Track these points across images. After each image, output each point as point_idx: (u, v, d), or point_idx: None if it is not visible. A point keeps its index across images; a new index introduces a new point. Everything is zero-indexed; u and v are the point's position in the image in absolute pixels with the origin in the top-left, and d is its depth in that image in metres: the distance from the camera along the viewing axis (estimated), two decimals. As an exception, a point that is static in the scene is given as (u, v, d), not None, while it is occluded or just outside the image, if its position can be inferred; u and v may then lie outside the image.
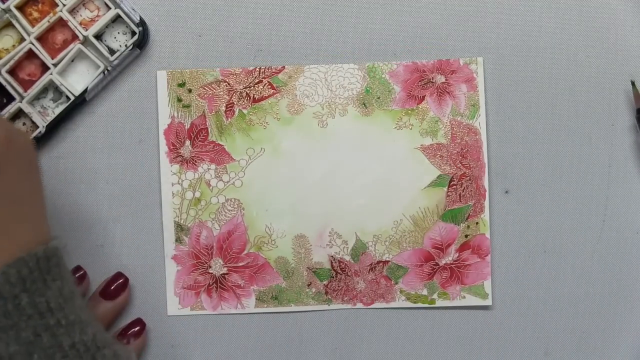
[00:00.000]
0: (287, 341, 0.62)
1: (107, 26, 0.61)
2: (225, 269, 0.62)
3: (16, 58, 0.60)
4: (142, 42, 0.61)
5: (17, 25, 0.60)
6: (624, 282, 0.62)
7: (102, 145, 0.62)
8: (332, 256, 0.62)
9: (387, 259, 0.62)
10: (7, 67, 0.60)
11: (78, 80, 0.62)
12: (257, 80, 0.62)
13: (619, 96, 0.62)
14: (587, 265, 0.62)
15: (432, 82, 0.62)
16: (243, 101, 0.62)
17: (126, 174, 0.62)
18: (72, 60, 0.62)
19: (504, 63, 0.62)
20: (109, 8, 0.61)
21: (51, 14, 0.61)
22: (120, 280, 0.61)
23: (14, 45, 0.61)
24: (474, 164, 0.62)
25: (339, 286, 0.62)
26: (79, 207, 0.62)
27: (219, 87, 0.62)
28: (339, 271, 0.62)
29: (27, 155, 0.51)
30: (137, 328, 0.61)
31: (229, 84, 0.62)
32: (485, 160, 0.62)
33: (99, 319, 0.59)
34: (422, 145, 0.62)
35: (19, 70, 0.61)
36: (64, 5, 0.61)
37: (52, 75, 0.61)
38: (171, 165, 0.62)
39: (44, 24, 0.60)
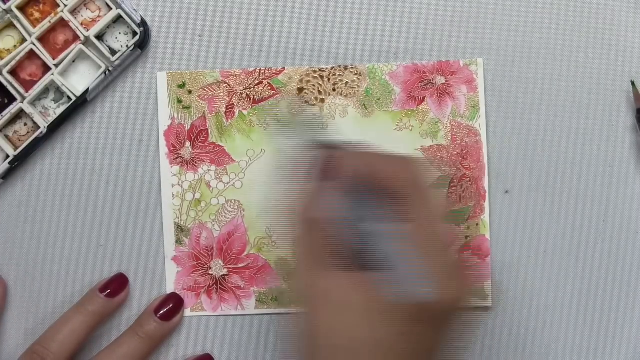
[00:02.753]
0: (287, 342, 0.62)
1: (108, 27, 0.62)
2: (226, 270, 0.62)
3: (17, 58, 0.61)
4: (143, 42, 0.61)
5: (18, 25, 0.61)
6: (624, 282, 0.62)
7: (102, 146, 0.62)
8: (332, 257, 0.62)
9: (388, 261, 0.62)
10: (9, 67, 0.61)
11: (79, 80, 0.62)
12: (257, 82, 0.62)
13: (619, 96, 0.62)
14: (587, 265, 0.62)
15: (432, 83, 0.62)
16: (243, 102, 0.62)
17: (126, 174, 0.62)
18: (74, 61, 0.62)
19: (503, 63, 0.62)
20: (110, 8, 0.61)
21: (52, 15, 0.61)
22: (120, 282, 0.61)
23: (15, 46, 0.62)
24: (474, 165, 0.62)
25: (339, 287, 0.62)
26: (79, 207, 0.62)
27: (219, 88, 0.62)
28: (339, 272, 0.62)
29: None
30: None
31: (229, 85, 0.62)
32: (486, 162, 0.62)
33: (94, 313, 0.59)
34: (422, 146, 0.62)
35: (20, 71, 0.61)
36: (65, 5, 0.61)
37: (54, 75, 0.61)
38: (171, 167, 0.62)
39: (45, 25, 0.61)
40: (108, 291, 0.60)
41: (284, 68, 0.62)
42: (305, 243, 0.49)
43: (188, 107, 0.62)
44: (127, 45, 0.61)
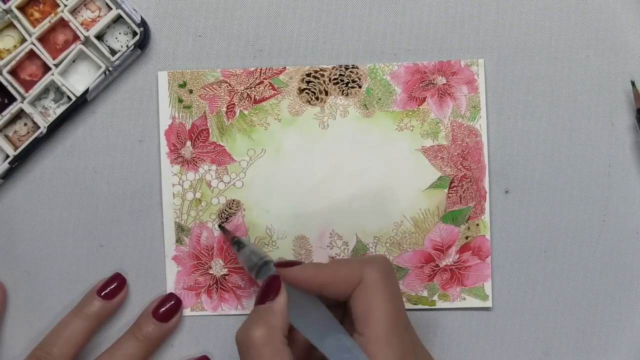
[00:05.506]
0: (287, 342, 0.62)
1: (108, 27, 0.62)
2: (226, 269, 0.62)
3: (17, 58, 0.61)
4: (143, 42, 0.61)
5: (18, 25, 0.61)
6: (624, 282, 0.62)
7: (102, 145, 0.62)
8: (332, 257, 0.62)
9: (388, 260, 0.62)
10: (9, 67, 0.61)
11: (79, 80, 0.62)
12: (258, 81, 0.62)
13: (619, 96, 0.62)
14: (587, 265, 0.62)
15: (433, 83, 0.62)
16: (244, 102, 0.62)
17: (126, 174, 0.62)
18: (74, 61, 0.62)
19: (504, 63, 0.62)
20: (110, 8, 0.61)
21: (52, 15, 0.61)
22: (117, 283, 0.61)
23: (15, 46, 0.62)
24: (475, 165, 0.62)
25: (339, 287, 0.62)
26: (78, 207, 0.62)
27: (220, 87, 0.62)
28: (340, 272, 0.62)
29: None
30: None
31: (229, 84, 0.62)
32: (486, 162, 0.62)
33: (92, 316, 0.60)
34: (422, 146, 0.62)
35: (20, 71, 0.62)
36: (65, 5, 0.61)
37: (54, 75, 0.61)
38: (172, 166, 0.62)
39: (45, 25, 0.61)
40: (105, 293, 0.60)
41: (284, 68, 0.62)
42: None
43: (189, 107, 0.62)
44: (127, 45, 0.61)
